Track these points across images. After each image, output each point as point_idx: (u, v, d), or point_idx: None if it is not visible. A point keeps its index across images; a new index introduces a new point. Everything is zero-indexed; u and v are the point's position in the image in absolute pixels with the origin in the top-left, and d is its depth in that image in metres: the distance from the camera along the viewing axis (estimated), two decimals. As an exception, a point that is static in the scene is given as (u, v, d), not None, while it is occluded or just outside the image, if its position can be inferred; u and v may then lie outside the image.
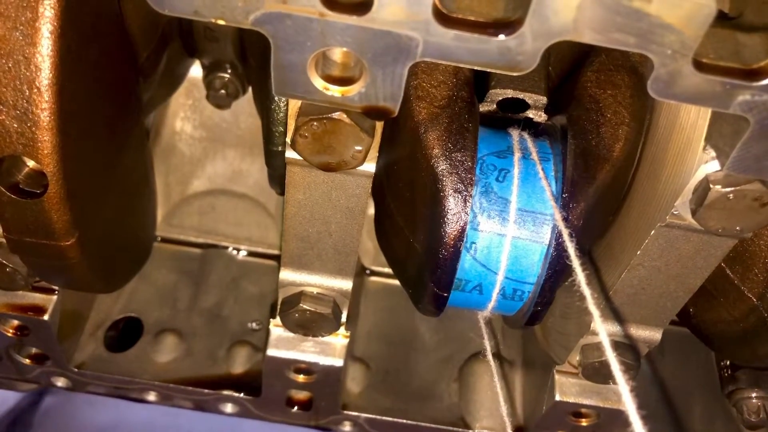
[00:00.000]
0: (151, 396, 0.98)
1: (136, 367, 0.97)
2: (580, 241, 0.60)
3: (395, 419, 0.96)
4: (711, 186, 0.54)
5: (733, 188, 0.54)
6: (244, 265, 1.10)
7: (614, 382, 0.53)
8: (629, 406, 0.50)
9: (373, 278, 1.11)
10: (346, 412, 0.96)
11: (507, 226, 0.62)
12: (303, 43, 0.45)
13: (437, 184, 0.60)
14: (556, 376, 0.82)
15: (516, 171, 0.63)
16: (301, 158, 0.59)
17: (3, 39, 0.54)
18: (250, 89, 1.03)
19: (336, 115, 0.54)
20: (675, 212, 0.59)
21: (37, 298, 0.82)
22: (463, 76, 0.63)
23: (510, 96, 0.67)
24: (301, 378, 0.87)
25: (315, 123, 0.55)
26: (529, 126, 0.67)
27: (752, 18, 0.48)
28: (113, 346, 0.99)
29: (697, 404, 1.01)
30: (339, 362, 0.83)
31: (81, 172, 0.64)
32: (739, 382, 0.93)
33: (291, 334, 0.82)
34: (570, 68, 0.70)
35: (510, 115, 0.69)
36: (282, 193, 0.71)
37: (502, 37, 0.43)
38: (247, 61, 0.95)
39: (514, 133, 0.66)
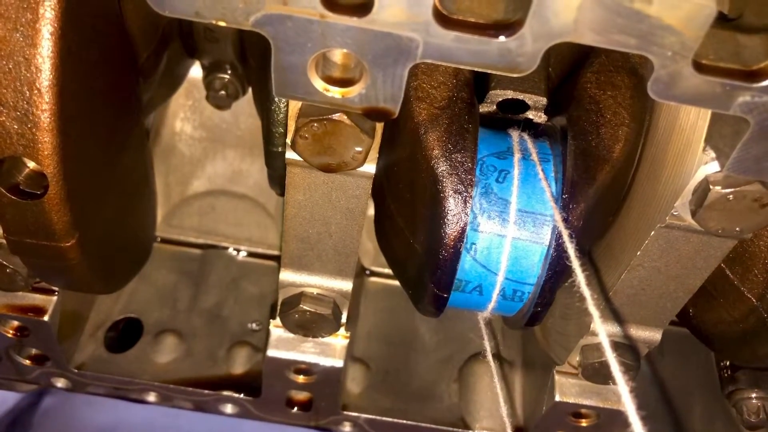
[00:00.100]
0: (151, 397, 0.98)
1: (136, 368, 0.97)
2: (580, 242, 0.60)
3: (395, 420, 0.96)
4: (711, 187, 0.54)
5: (732, 189, 0.54)
6: (244, 266, 1.10)
7: (614, 383, 0.53)
8: (629, 406, 0.50)
9: (373, 279, 1.11)
10: (346, 412, 0.96)
11: (507, 227, 0.62)
12: (303, 45, 0.45)
13: (437, 185, 0.60)
14: (556, 377, 0.82)
15: (516, 172, 0.63)
16: (301, 159, 0.59)
17: (3, 40, 0.54)
18: (249, 90, 1.03)
19: (336, 116, 0.54)
20: (675, 213, 0.59)
21: (37, 298, 0.82)
22: (463, 77, 0.63)
23: (510, 97, 0.67)
24: (301, 378, 0.87)
25: (315, 124, 0.55)
26: (529, 127, 0.67)
27: (752, 19, 0.48)
28: (113, 346, 0.99)
29: (696, 405, 1.01)
30: (339, 363, 0.84)
31: (81, 173, 0.64)
32: (739, 383, 0.93)
33: (291, 335, 0.82)
34: (570, 69, 0.70)
35: (510, 116, 0.69)
36: (282, 193, 0.71)
37: (502, 38, 0.43)
38: (247, 61, 0.95)
39: (514, 134, 0.66)
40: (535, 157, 0.64)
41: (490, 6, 0.44)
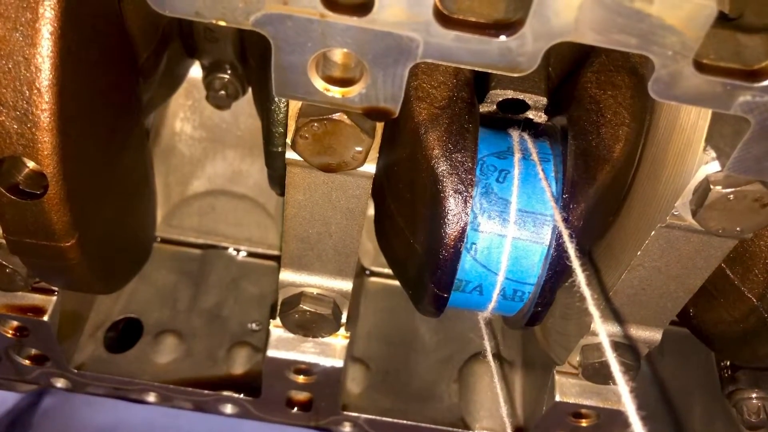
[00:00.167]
0: (151, 397, 0.98)
1: (136, 368, 0.97)
2: (580, 242, 0.60)
3: (395, 420, 0.96)
4: (711, 187, 0.54)
5: (733, 189, 0.54)
6: (243, 266, 1.10)
7: (614, 383, 0.53)
8: (629, 406, 0.50)
9: (373, 279, 1.11)
10: (346, 412, 0.96)
11: (507, 227, 0.62)
12: (303, 44, 0.45)
13: (437, 185, 0.60)
14: (556, 377, 0.82)
15: (516, 172, 0.63)
16: (301, 159, 0.59)
17: (3, 40, 0.54)
18: (249, 90, 1.03)
19: (336, 116, 0.54)
20: (675, 213, 0.59)
21: (37, 298, 0.82)
22: (464, 76, 0.63)
23: (510, 97, 0.67)
24: (301, 379, 0.87)
25: (315, 124, 0.55)
26: (530, 127, 0.67)
27: (753, 19, 0.48)
28: (113, 346, 0.99)
29: (697, 405, 1.01)
30: (339, 363, 0.83)
31: (81, 172, 0.64)
32: (739, 383, 0.93)
33: (291, 335, 0.82)
34: (570, 69, 0.70)
35: (510, 115, 0.69)
36: (282, 193, 0.71)
37: (502, 38, 0.43)
38: (247, 61, 0.95)
39: (515, 134, 0.66)
40: (535, 156, 0.64)
41: (491, 5, 0.44)
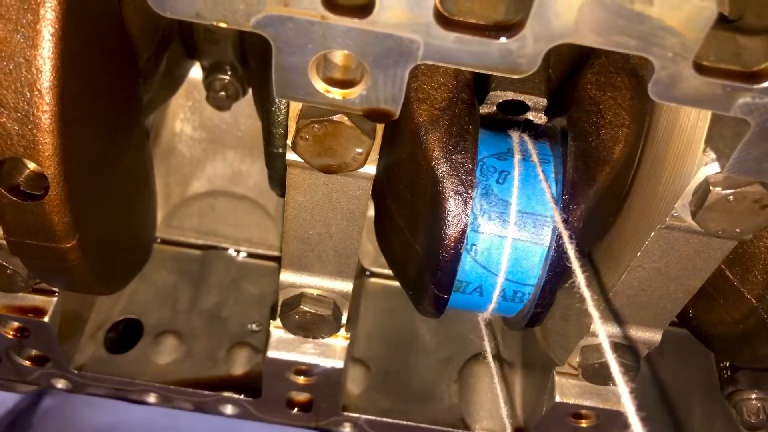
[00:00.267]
0: (151, 397, 0.98)
1: (136, 369, 0.97)
2: (580, 243, 0.61)
3: (395, 420, 0.96)
4: (711, 188, 0.54)
5: (733, 190, 0.54)
6: (244, 267, 1.10)
7: (614, 384, 0.53)
8: (629, 407, 0.50)
9: (373, 280, 1.11)
10: (346, 413, 0.96)
11: (507, 228, 0.62)
12: (304, 46, 0.45)
13: (438, 186, 0.60)
14: (556, 378, 0.82)
15: (516, 173, 0.63)
16: (301, 160, 0.59)
17: (4, 41, 0.54)
18: (250, 91, 1.03)
19: (337, 117, 0.54)
20: (675, 214, 0.59)
21: (38, 299, 0.82)
22: (464, 78, 0.63)
23: (510, 98, 0.67)
24: (301, 379, 0.87)
25: (316, 125, 0.55)
26: (529, 128, 0.67)
27: (752, 20, 0.48)
28: (113, 347, 0.99)
29: (696, 405, 1.01)
30: (339, 364, 0.84)
31: (81, 174, 0.64)
32: (739, 384, 0.93)
33: (291, 336, 0.82)
34: (570, 70, 0.70)
35: (510, 117, 0.69)
36: (282, 194, 0.71)
37: (503, 39, 0.43)
38: (248, 62, 0.95)
39: (514, 135, 0.66)
40: (535, 158, 0.64)
41: (491, 7, 0.44)
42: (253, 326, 1.03)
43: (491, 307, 0.67)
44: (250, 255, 1.11)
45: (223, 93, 1.01)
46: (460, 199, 0.60)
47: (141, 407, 1.03)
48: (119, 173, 0.78)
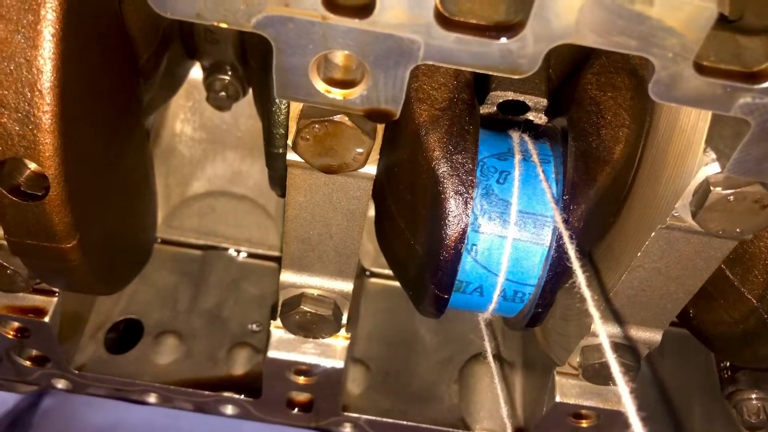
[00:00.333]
0: (152, 398, 0.99)
1: (137, 369, 0.97)
2: (580, 243, 0.61)
3: (395, 420, 0.96)
4: (711, 188, 0.54)
5: (733, 190, 0.54)
6: (244, 267, 1.10)
7: (614, 384, 0.53)
8: (629, 407, 0.50)
9: (373, 280, 1.11)
10: (346, 413, 0.96)
11: (508, 228, 0.62)
12: (305, 46, 0.45)
13: (438, 186, 0.60)
14: (557, 378, 0.82)
15: (516, 173, 0.63)
16: (302, 161, 0.59)
17: (5, 42, 0.54)
18: (250, 91, 1.03)
19: (337, 117, 0.54)
20: (675, 214, 0.59)
21: (38, 300, 0.82)
22: (464, 78, 0.63)
23: (510, 98, 0.67)
24: (301, 380, 0.87)
25: (316, 125, 0.55)
26: (530, 128, 0.67)
27: (752, 21, 0.48)
28: (113, 347, 0.99)
29: (696, 405, 1.01)
30: (340, 364, 0.84)
31: (82, 174, 0.64)
32: (739, 384, 0.93)
33: (292, 336, 0.82)
34: (570, 70, 0.70)
35: (510, 117, 0.69)
36: (283, 195, 0.71)
37: (503, 40, 0.43)
38: (248, 63, 0.95)
39: (515, 136, 0.66)
40: (535, 158, 0.64)
41: (492, 7, 0.44)
42: (254, 326, 1.03)
43: (491, 307, 0.67)
44: (251, 255, 1.12)
45: (223, 93, 1.01)
46: (461, 199, 0.60)
47: (141, 407, 1.03)
48: (120, 173, 0.78)
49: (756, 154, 0.49)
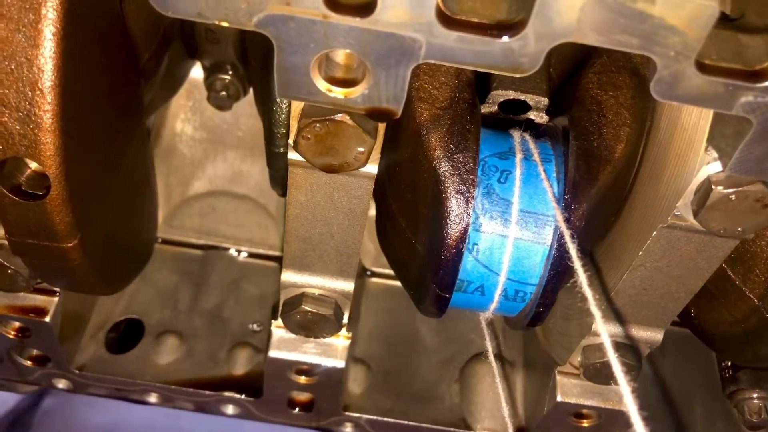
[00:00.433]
0: (152, 397, 0.98)
1: (137, 369, 0.97)
2: (581, 242, 0.60)
3: (396, 420, 0.96)
4: (713, 187, 0.54)
5: (735, 189, 0.54)
6: (244, 267, 1.10)
7: (615, 383, 0.53)
8: (630, 407, 0.50)
9: (374, 279, 1.11)
10: (347, 413, 0.96)
11: (509, 227, 0.62)
12: (306, 45, 0.45)
13: (439, 186, 0.60)
14: (558, 377, 0.82)
15: (518, 172, 0.63)
16: (303, 160, 0.59)
17: (6, 41, 0.54)
18: (251, 90, 1.03)
19: (339, 116, 0.54)
20: (677, 213, 0.59)
21: (39, 299, 0.82)
22: (465, 77, 0.63)
23: (511, 97, 0.67)
24: (302, 379, 0.87)
25: (318, 125, 0.55)
26: (531, 127, 0.67)
27: (754, 19, 0.48)
28: (114, 347, 0.99)
29: (698, 405, 1.01)
30: (341, 363, 0.84)
31: (83, 173, 0.64)
32: (741, 383, 0.93)
33: (293, 336, 0.82)
34: (571, 69, 0.70)
35: (511, 116, 0.69)
36: (283, 194, 0.71)
37: (505, 38, 0.43)
38: (248, 62, 0.95)
39: (516, 135, 0.66)
40: (536, 157, 0.64)
41: (493, 6, 0.44)
42: (254, 326, 1.03)
43: (493, 306, 0.67)
44: (251, 255, 1.11)
45: (224, 93, 1.01)
46: (462, 198, 0.60)
47: (142, 407, 1.03)
48: (120, 173, 0.78)
49: (757, 152, 0.49)
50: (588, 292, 0.56)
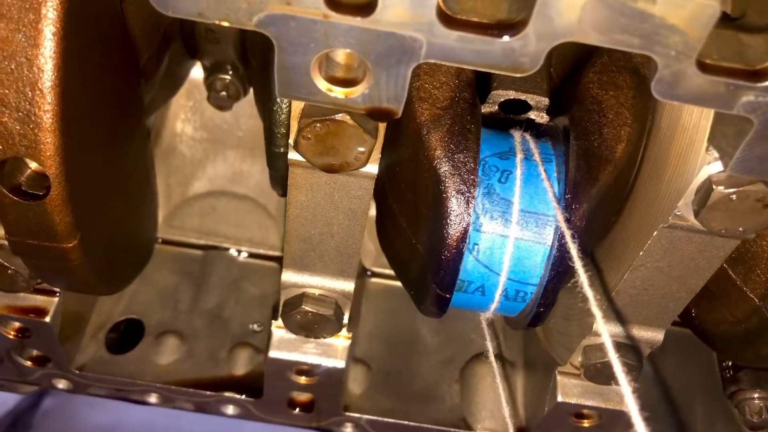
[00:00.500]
0: (153, 398, 0.98)
1: (138, 369, 0.97)
2: (582, 242, 0.60)
3: (397, 420, 0.96)
4: (714, 187, 0.54)
5: (735, 189, 0.54)
6: (245, 267, 1.10)
7: (616, 383, 0.53)
8: (631, 407, 0.50)
9: (374, 279, 1.11)
10: (347, 413, 0.96)
11: (510, 227, 0.62)
12: (307, 45, 0.45)
13: (440, 186, 0.60)
14: (558, 377, 0.82)
15: (518, 172, 0.63)
16: (303, 160, 0.59)
17: (6, 41, 0.54)
18: (251, 90, 1.03)
19: (339, 116, 0.54)
20: (678, 213, 0.59)
21: (39, 300, 0.82)
22: (465, 77, 0.63)
23: (512, 97, 0.67)
24: (302, 380, 0.87)
25: (318, 124, 0.55)
26: (531, 127, 0.67)
27: (755, 19, 0.48)
28: (114, 347, 0.99)
29: (698, 405, 1.01)
30: (341, 364, 0.83)
31: (83, 173, 0.64)
32: (741, 383, 0.93)
33: (293, 336, 0.82)
34: (571, 69, 0.70)
35: (512, 116, 0.69)
36: (283, 194, 0.71)
37: (506, 38, 0.43)
38: (249, 62, 0.95)
39: (516, 135, 0.66)
40: (537, 157, 0.64)
41: (494, 6, 0.44)
42: (255, 326, 1.03)
43: (493, 306, 0.67)
44: (251, 255, 1.11)
45: (224, 93, 1.01)
46: (462, 198, 0.60)
47: (141, 407, 1.03)
48: (121, 173, 0.78)
49: (758, 152, 0.49)
50: (589, 292, 0.56)
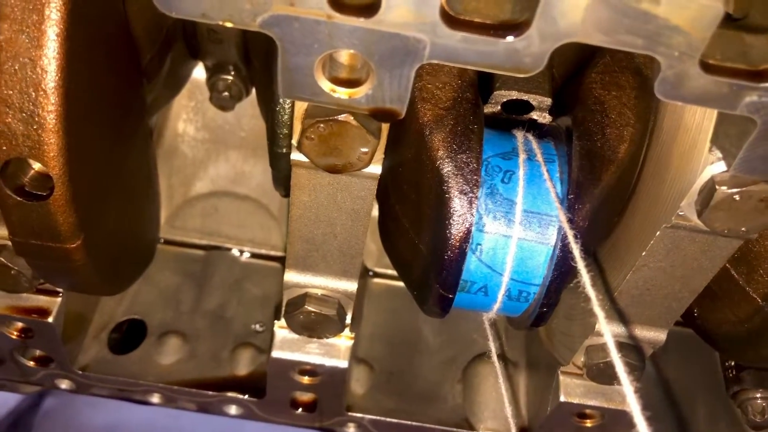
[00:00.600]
0: (155, 398, 0.98)
1: (140, 369, 0.97)
2: (585, 243, 0.60)
3: (399, 420, 0.96)
4: (717, 187, 0.54)
5: (739, 189, 0.54)
6: (247, 267, 1.10)
7: (619, 383, 0.53)
8: (634, 407, 0.50)
9: (377, 280, 1.11)
10: (350, 413, 0.96)
11: (512, 228, 0.62)
12: (310, 46, 0.45)
13: (442, 186, 0.60)
14: (561, 377, 0.82)
15: (521, 172, 0.63)
16: (306, 160, 0.59)
17: (9, 42, 0.54)
18: (253, 91, 1.03)
19: (342, 117, 0.54)
20: (680, 213, 0.59)
21: (42, 300, 0.82)
22: (468, 77, 0.63)
23: (515, 98, 0.67)
24: (305, 380, 0.87)
25: (321, 125, 0.55)
26: (534, 127, 0.67)
27: (758, 19, 0.48)
28: (117, 348, 0.99)
29: (701, 405, 1.01)
30: (344, 364, 0.84)
31: (86, 174, 0.65)
32: (744, 383, 0.93)
33: (296, 336, 0.82)
34: (574, 70, 0.70)
35: (514, 116, 0.69)
36: (286, 195, 0.71)
37: (509, 38, 0.43)
38: (251, 62, 0.95)
39: (519, 135, 0.66)
40: (540, 157, 0.64)
41: (497, 6, 0.44)
42: (257, 327, 1.03)
43: (496, 306, 0.67)
44: (254, 255, 1.11)
45: (226, 93, 1.01)
46: (465, 198, 0.60)
47: (143, 407, 1.03)
48: (123, 173, 0.78)
49: (762, 152, 0.49)
50: (591, 293, 0.56)
